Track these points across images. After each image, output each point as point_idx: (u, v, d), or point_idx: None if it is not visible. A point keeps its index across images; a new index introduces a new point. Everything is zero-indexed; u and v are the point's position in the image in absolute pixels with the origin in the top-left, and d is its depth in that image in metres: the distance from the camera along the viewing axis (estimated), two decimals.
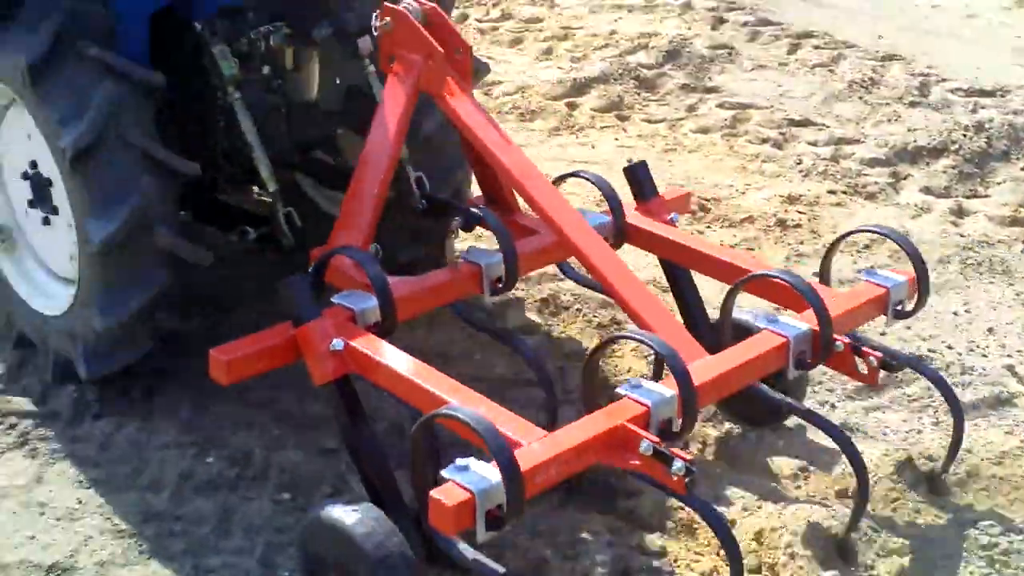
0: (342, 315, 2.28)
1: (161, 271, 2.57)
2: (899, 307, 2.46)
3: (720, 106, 4.69)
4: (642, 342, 2.12)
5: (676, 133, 4.49)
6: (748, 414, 2.69)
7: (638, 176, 2.82)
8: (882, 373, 2.30)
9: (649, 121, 4.58)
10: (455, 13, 5.62)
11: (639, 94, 4.80)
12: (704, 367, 2.14)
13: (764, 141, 4.40)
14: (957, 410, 2.47)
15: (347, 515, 1.99)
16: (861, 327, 2.51)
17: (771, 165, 4.22)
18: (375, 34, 2.61)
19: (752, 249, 3.61)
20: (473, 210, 2.55)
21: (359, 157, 2.61)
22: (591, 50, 5.18)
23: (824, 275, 2.54)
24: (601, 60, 5.04)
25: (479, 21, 5.57)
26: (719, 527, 1.97)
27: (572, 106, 4.69)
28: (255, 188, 3.02)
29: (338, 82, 2.98)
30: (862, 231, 2.91)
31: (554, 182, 2.75)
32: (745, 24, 5.54)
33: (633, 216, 2.75)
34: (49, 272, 2.86)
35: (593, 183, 2.81)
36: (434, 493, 1.75)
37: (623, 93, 4.77)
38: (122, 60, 2.51)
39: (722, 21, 5.57)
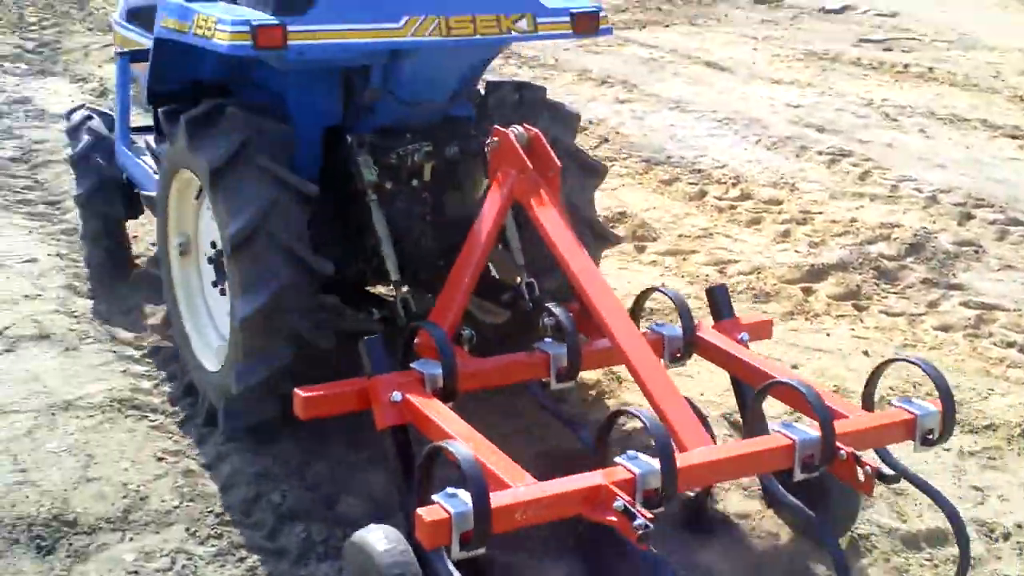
0: (412, 376, 2.70)
1: (288, 350, 3.00)
2: (929, 435, 2.61)
3: (964, 304, 4.35)
4: (638, 417, 2.34)
5: (916, 328, 4.18)
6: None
7: (717, 298, 3.12)
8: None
9: (887, 313, 4.30)
10: (695, 189, 5.58)
11: (878, 285, 4.53)
12: (701, 452, 2.45)
13: (1010, 345, 4.03)
14: (964, 541, 2.57)
15: (372, 535, 2.30)
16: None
17: (1017, 371, 3.84)
18: (487, 151, 3.10)
19: (993, 459, 3.27)
20: (553, 308, 2.89)
21: (460, 252, 3.07)
22: (830, 236, 4.97)
23: (866, 399, 2.70)
24: (840, 247, 4.82)
25: (718, 199, 5.49)
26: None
27: (808, 291, 4.47)
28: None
29: (477, 196, 3.43)
30: (902, 360, 2.94)
31: (638, 297, 3.16)
32: (993, 222, 5.20)
33: (707, 331, 3.03)
34: (218, 333, 3.38)
35: (670, 298, 3.15)
36: (419, 511, 2.11)
37: (861, 283, 4.52)
38: (284, 171, 3.02)
39: (969, 217, 5.25)
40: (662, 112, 6.99)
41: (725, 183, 5.69)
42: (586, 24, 3.35)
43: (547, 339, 2.92)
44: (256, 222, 2.94)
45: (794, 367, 3.76)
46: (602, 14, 3.41)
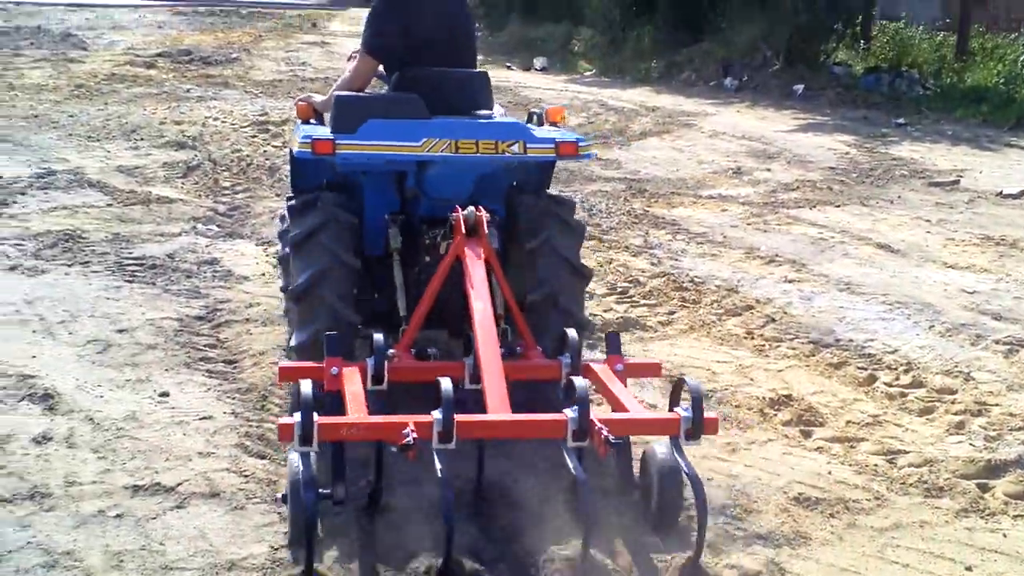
0: (358, 365, 4.03)
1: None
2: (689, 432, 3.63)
3: None
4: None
5: None
6: None
7: (609, 340, 4.31)
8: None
9: None
10: (864, 373, 5.45)
11: None
12: (493, 415, 3.61)
13: None
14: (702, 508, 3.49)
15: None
16: None
17: None
18: (450, 222, 4.33)
19: None
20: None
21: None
22: (1008, 430, 4.76)
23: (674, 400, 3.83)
24: (1019, 443, 4.61)
25: (888, 385, 5.34)
26: None
27: (984, 488, 4.27)
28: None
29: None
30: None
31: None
32: None
33: (594, 363, 4.25)
34: None
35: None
36: (280, 420, 3.57)
37: None
38: (338, 247, 4.40)
39: None
40: (831, 293, 6.91)
41: (896, 369, 5.55)
42: (568, 150, 4.58)
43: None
44: (308, 284, 4.37)
45: (968, 569, 3.62)
46: (581, 143, 4.64)
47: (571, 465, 3.51)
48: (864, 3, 18.39)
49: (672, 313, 6.43)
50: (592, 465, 3.87)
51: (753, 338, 6.04)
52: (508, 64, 21.41)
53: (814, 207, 9.38)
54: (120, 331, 5.66)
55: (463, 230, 4.23)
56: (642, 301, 6.62)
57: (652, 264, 7.42)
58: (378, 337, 4.05)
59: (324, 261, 4.37)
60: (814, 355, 5.78)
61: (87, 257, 6.92)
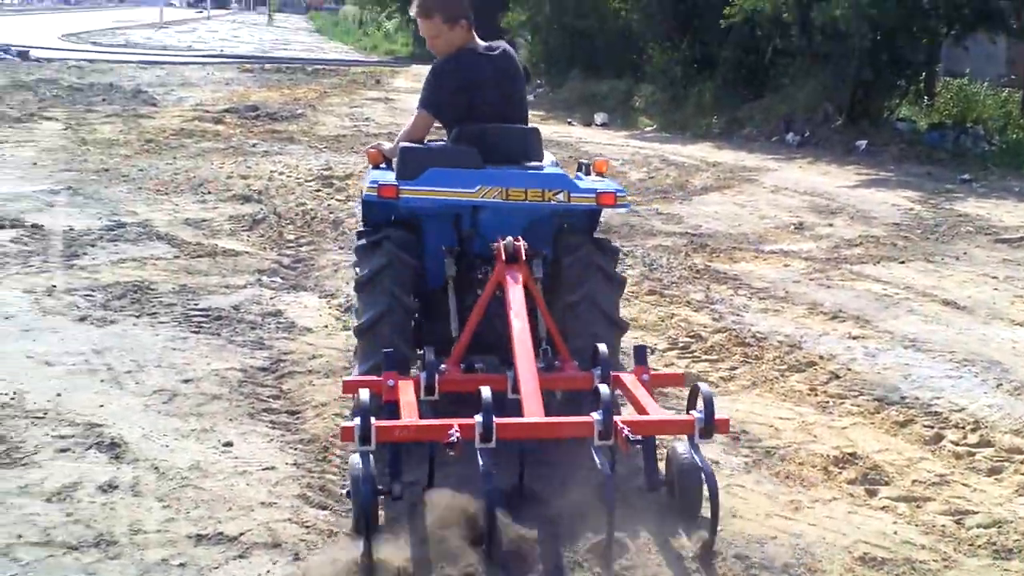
0: (413, 377, 4.64)
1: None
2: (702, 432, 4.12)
3: None
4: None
5: None
6: None
7: (636, 353, 4.76)
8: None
9: None
10: (930, 432, 5.36)
11: None
12: (529, 418, 4.09)
13: None
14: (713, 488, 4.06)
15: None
16: None
17: None
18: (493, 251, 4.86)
19: None
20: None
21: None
22: None
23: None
24: None
25: (955, 444, 5.25)
26: None
27: None
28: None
29: None
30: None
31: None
32: None
33: (623, 373, 4.77)
34: None
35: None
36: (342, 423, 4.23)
37: None
38: (399, 289, 4.91)
39: None
40: (896, 350, 6.83)
41: (963, 428, 5.46)
42: (607, 200, 5.07)
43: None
44: (370, 323, 4.87)
45: None
46: (620, 193, 5.15)
47: (598, 461, 4.00)
48: (927, 59, 18.29)
49: (734, 369, 6.39)
50: (626, 467, 4.60)
51: (817, 395, 5.98)
52: (569, 120, 21.55)
53: (878, 263, 9.29)
54: (186, 381, 5.74)
55: (503, 257, 4.76)
56: (704, 356, 6.59)
57: (714, 319, 7.39)
58: (430, 352, 4.61)
59: (384, 303, 4.88)
60: (879, 412, 5.70)
61: (155, 308, 7.04)
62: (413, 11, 5.48)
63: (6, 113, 17.29)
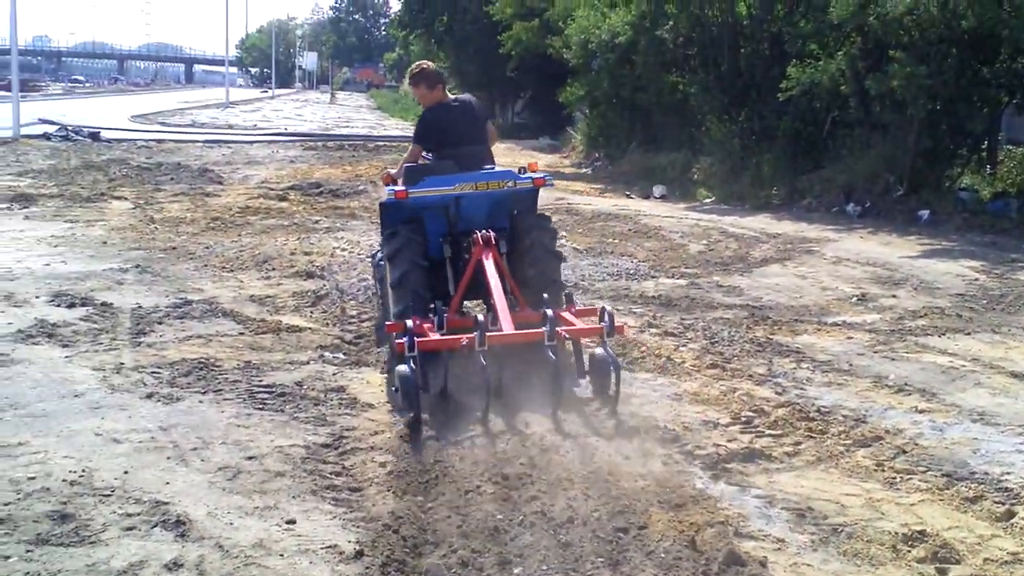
0: (427, 320, 7.05)
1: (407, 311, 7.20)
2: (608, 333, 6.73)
3: None
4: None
5: None
6: None
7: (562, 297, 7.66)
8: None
9: None
10: (1001, 508, 5.25)
11: None
12: (505, 330, 6.76)
13: None
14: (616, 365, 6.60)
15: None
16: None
17: None
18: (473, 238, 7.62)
19: None
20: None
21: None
22: None
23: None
24: None
25: None
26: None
27: None
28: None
29: None
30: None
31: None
32: None
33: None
34: None
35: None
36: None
37: None
38: (415, 256, 7.54)
39: None
40: (964, 424, 6.71)
41: None
42: (539, 182, 7.95)
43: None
44: (399, 277, 7.42)
45: None
46: (547, 178, 8.08)
47: (549, 353, 6.49)
48: (988, 128, 18.16)
49: (798, 444, 6.31)
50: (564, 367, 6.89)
51: (883, 470, 5.89)
52: (628, 193, 21.66)
53: (943, 334, 9.16)
54: (250, 458, 5.79)
55: (480, 243, 7.45)
56: (767, 431, 6.52)
57: (777, 393, 7.32)
58: (440, 304, 7.11)
59: (406, 265, 7.46)
60: (948, 489, 5.60)
61: (220, 385, 7.13)
62: (407, 82, 9.20)
63: (78, 193, 17.75)
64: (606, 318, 6.70)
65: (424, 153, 8.29)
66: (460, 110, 8.28)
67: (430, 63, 8.65)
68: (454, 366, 6.85)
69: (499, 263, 7.37)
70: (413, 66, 8.61)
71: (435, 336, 6.72)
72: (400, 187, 7.60)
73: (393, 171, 8.30)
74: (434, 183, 7.66)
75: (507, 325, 6.74)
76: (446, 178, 7.69)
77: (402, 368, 6.31)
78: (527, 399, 6.62)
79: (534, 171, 8.03)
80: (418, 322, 6.76)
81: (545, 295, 7.07)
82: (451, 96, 8.45)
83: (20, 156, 24.30)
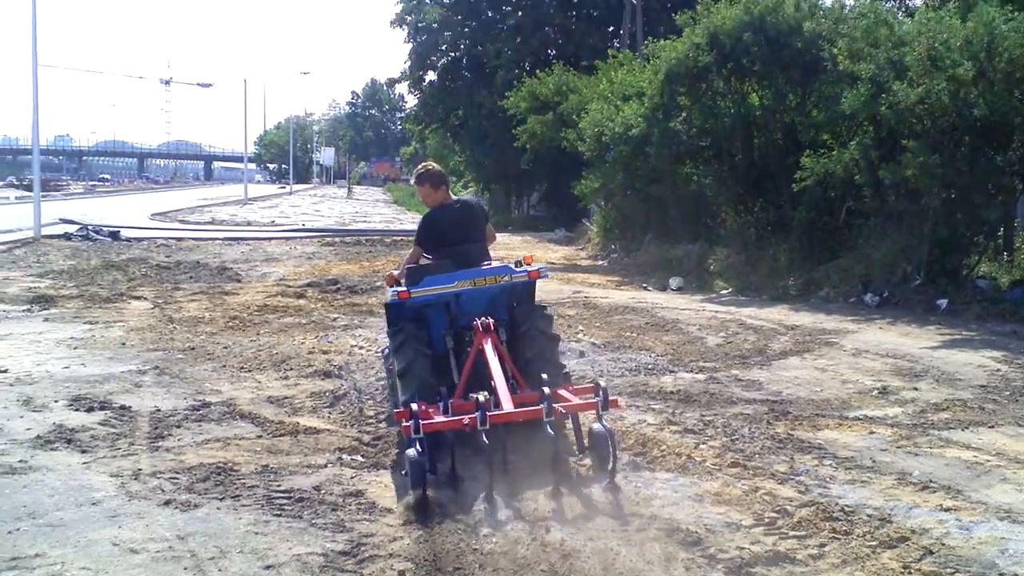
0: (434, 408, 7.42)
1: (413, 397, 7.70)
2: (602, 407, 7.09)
3: None
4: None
5: None
6: None
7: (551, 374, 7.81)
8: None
9: None
10: None
11: None
12: (506, 409, 7.13)
13: None
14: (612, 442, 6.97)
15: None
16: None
17: None
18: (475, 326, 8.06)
19: None
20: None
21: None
22: None
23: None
24: None
25: None
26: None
27: None
28: None
29: None
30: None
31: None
32: None
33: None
34: None
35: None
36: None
37: None
38: (419, 346, 8.00)
39: None
40: (991, 522, 6.60)
41: None
42: (534, 274, 8.32)
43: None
44: (404, 367, 7.88)
45: None
46: (542, 269, 8.47)
47: (548, 430, 6.89)
48: (1004, 216, 18.20)
49: (823, 546, 6.21)
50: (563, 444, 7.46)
51: (910, 572, 5.79)
52: (644, 285, 21.69)
53: (966, 428, 9.07)
54: (267, 567, 5.74)
55: (480, 330, 7.86)
56: (791, 532, 6.42)
57: (799, 492, 7.23)
58: (443, 390, 7.53)
59: (411, 355, 7.91)
60: None
61: (237, 491, 7.09)
62: (412, 181, 9.74)
63: (97, 293, 17.88)
64: (600, 393, 7.09)
65: (425, 253, 8.67)
66: (461, 211, 8.73)
67: (434, 164, 9.06)
68: (462, 449, 7.31)
69: (499, 347, 7.76)
70: (419, 167, 8.99)
71: (440, 418, 7.07)
72: (403, 288, 8.08)
73: (396, 272, 8.68)
74: (434, 282, 8.11)
75: (507, 404, 7.10)
76: (445, 276, 8.13)
77: (409, 451, 6.69)
78: (530, 476, 6.97)
79: (529, 264, 8.44)
80: (424, 407, 7.11)
81: (544, 375, 7.44)
82: (454, 197, 8.86)
83: (41, 256, 24.56)
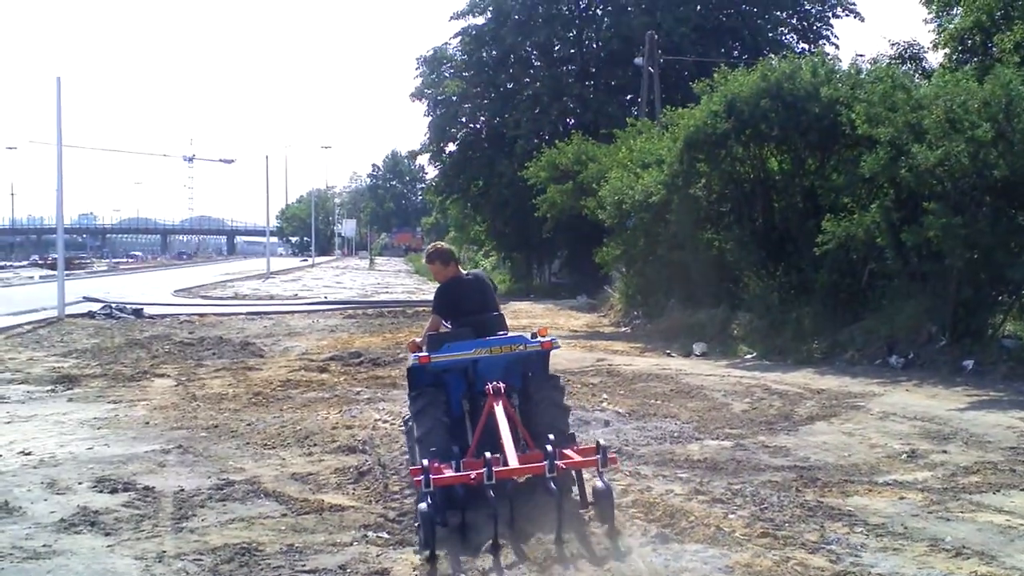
0: (445, 466, 7.93)
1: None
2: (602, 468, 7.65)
3: None
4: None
5: None
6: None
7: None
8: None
9: None
10: None
11: None
12: (511, 465, 7.68)
13: None
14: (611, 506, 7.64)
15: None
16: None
17: None
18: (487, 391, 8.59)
19: None
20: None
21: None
22: None
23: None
24: None
25: None
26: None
27: None
28: None
29: None
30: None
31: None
32: None
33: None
34: None
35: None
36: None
37: None
38: (437, 413, 8.60)
39: None
40: None
41: None
42: (547, 344, 8.83)
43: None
44: (424, 434, 8.40)
45: None
46: (554, 340, 8.93)
47: (550, 485, 7.37)
48: None
49: None
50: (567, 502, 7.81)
51: None
52: (668, 351, 21.60)
53: (998, 491, 8.94)
54: None
55: (492, 393, 8.34)
56: None
57: (831, 561, 7.12)
58: (456, 450, 8.13)
59: (430, 422, 8.45)
60: None
61: (262, 571, 7.04)
62: (424, 259, 10.42)
63: (121, 372, 17.94)
64: (600, 451, 7.65)
65: (444, 322, 9.33)
66: (471, 283, 9.51)
67: (443, 243, 9.98)
68: (476, 512, 7.78)
69: (509, 410, 8.27)
70: (429, 246, 9.94)
71: (449, 473, 7.63)
72: (424, 353, 8.69)
73: (418, 340, 9.33)
74: (454, 348, 8.68)
75: (512, 460, 7.63)
76: (464, 344, 8.72)
77: (421, 504, 7.25)
78: (537, 530, 7.58)
79: (544, 335, 8.94)
80: (436, 464, 7.64)
81: (551, 436, 7.93)
82: (463, 271, 9.68)
83: (65, 336, 24.71)
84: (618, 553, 7.13)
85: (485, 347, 8.70)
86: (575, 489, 8.31)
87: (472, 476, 7.40)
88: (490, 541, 7.26)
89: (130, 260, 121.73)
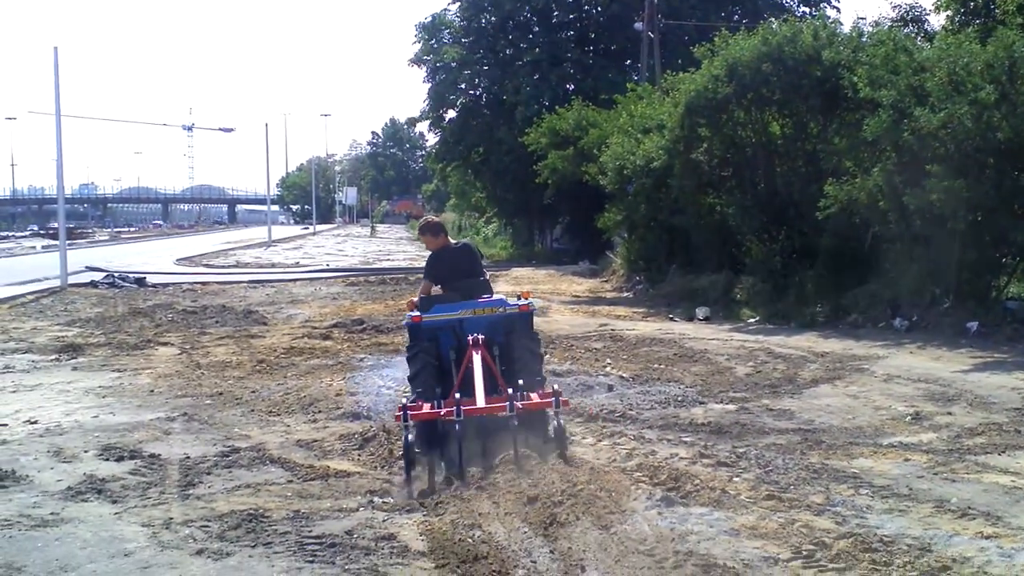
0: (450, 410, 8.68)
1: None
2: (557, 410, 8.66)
3: None
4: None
5: None
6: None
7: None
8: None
9: None
10: None
11: None
12: (478, 404, 8.68)
13: None
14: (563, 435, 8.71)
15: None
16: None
17: None
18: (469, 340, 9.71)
19: None
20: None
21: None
22: None
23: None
24: None
25: None
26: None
27: None
28: None
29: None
30: None
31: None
32: None
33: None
34: None
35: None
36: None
37: None
38: (428, 359, 9.77)
39: None
40: None
41: None
42: (524, 308, 9.98)
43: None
44: (414, 375, 9.74)
45: None
46: (531, 303, 10.13)
47: (513, 422, 8.31)
48: None
49: None
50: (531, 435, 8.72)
51: None
52: (671, 316, 21.60)
53: (1003, 452, 8.95)
54: None
55: (471, 343, 9.37)
56: (830, 565, 6.33)
57: (837, 523, 7.13)
58: (439, 391, 9.23)
59: (420, 364, 9.65)
60: None
61: (269, 537, 7.05)
62: (417, 231, 12.37)
63: (125, 341, 17.95)
64: (555, 396, 8.67)
65: (435, 285, 10.48)
66: (459, 252, 10.59)
67: (433, 217, 11.52)
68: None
69: (486, 358, 9.31)
70: (420, 220, 11.42)
71: (427, 409, 8.73)
72: (416, 313, 9.89)
73: (415, 300, 10.36)
74: (443, 309, 9.92)
75: (480, 401, 8.67)
76: (453, 305, 9.95)
77: (407, 436, 8.37)
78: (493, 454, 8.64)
79: (526, 298, 10.17)
80: (420, 403, 8.93)
81: (520, 381, 9.11)
82: (452, 241, 10.72)
83: (68, 305, 24.72)
84: (623, 516, 7.12)
85: (469, 309, 9.90)
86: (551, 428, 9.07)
87: (442, 412, 8.48)
88: (456, 467, 8.34)
89: (132, 229, 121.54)
